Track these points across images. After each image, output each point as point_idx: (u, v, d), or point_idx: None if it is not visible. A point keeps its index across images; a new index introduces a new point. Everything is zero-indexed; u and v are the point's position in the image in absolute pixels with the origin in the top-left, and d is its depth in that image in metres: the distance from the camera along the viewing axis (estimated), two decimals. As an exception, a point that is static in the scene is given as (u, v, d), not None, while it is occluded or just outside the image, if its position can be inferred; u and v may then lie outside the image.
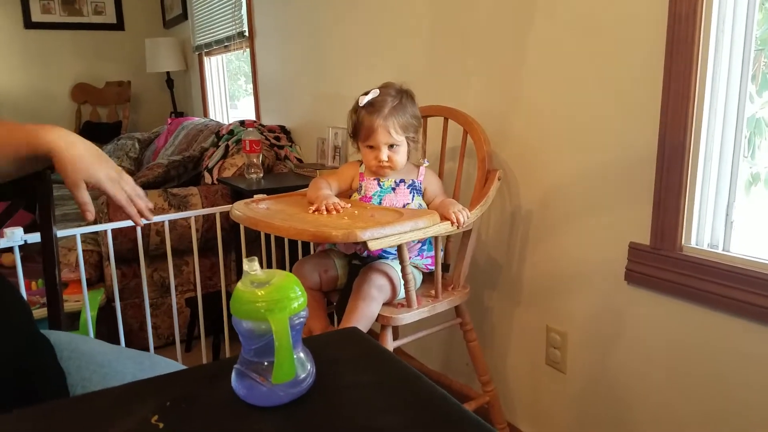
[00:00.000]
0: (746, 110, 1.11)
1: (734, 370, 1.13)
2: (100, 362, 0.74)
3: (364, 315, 1.33)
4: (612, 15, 1.25)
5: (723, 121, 1.13)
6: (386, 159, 1.40)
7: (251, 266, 0.55)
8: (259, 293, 0.54)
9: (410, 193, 1.45)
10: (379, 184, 1.45)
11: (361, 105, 1.40)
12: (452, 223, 1.31)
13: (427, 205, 1.46)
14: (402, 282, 1.36)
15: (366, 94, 1.40)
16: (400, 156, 1.41)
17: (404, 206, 1.43)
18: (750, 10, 1.07)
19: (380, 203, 1.44)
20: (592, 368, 1.44)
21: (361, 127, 1.40)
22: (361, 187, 1.48)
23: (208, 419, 0.54)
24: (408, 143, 1.42)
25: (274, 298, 0.54)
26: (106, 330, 2.09)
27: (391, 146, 1.40)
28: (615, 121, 1.28)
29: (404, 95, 1.42)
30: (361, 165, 1.50)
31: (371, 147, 1.41)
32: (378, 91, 1.40)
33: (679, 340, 1.22)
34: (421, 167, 1.48)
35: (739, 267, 1.08)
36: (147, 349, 1.89)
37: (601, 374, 1.41)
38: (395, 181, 1.45)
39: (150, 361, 0.80)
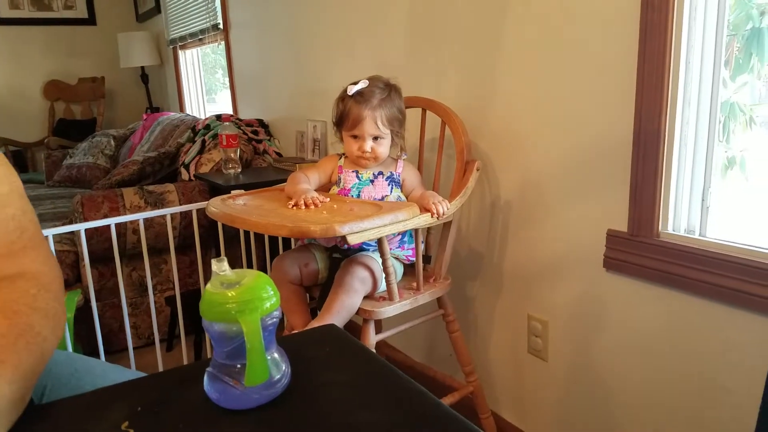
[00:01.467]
0: (720, 95, 1.11)
1: (714, 355, 1.14)
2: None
3: (344, 306, 1.32)
4: (586, 3, 1.25)
5: (697, 106, 1.13)
6: (369, 150, 1.39)
7: (220, 267, 0.54)
8: (230, 294, 0.53)
9: (389, 185, 1.44)
10: (357, 176, 1.44)
11: (349, 94, 1.38)
12: (432, 214, 1.31)
13: (406, 197, 1.45)
14: (383, 274, 1.35)
15: (355, 84, 1.39)
16: (383, 148, 1.41)
17: (383, 198, 1.42)
18: (722, -5, 1.07)
19: (359, 195, 1.43)
20: (574, 355, 1.45)
21: (347, 116, 1.39)
22: (339, 179, 1.47)
23: (179, 424, 0.53)
24: (392, 137, 1.41)
25: (244, 299, 0.53)
26: (85, 331, 2.06)
27: (375, 138, 1.39)
28: (590, 109, 1.28)
29: (392, 89, 1.42)
30: (340, 158, 1.49)
31: (355, 137, 1.40)
32: (367, 81, 1.39)
33: (659, 326, 1.23)
34: (399, 160, 1.47)
35: (715, 252, 1.09)
36: (127, 349, 1.87)
37: (583, 361, 1.42)
38: (374, 174, 1.44)
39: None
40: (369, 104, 1.36)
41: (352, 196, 1.43)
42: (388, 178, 1.44)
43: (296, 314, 1.42)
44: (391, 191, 1.43)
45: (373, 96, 1.37)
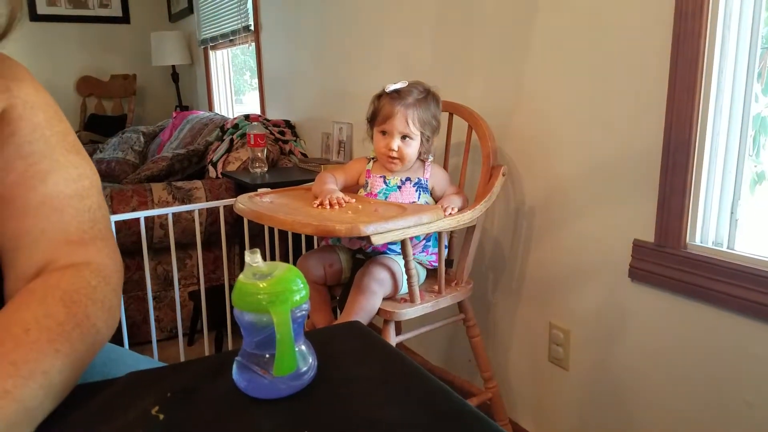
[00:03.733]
0: (752, 109, 1.10)
1: (739, 369, 1.12)
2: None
3: (362, 308, 1.33)
4: (617, 10, 1.25)
5: (728, 119, 1.12)
6: (396, 149, 1.39)
7: (253, 258, 0.55)
8: (261, 285, 0.54)
9: (416, 191, 1.44)
10: (385, 182, 1.45)
11: (387, 91, 1.40)
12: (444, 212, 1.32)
13: (436, 201, 1.46)
14: (405, 276, 1.36)
15: (395, 83, 1.40)
16: (411, 150, 1.40)
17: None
18: (756, 8, 1.06)
19: None
20: (595, 366, 1.43)
21: (380, 111, 1.40)
22: (367, 183, 1.48)
23: (208, 411, 0.54)
24: (421, 140, 1.41)
25: (275, 291, 0.54)
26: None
27: (404, 138, 1.39)
28: (620, 117, 1.28)
29: (431, 95, 1.42)
30: (368, 162, 1.50)
31: (384, 133, 1.40)
32: (407, 82, 1.41)
33: (683, 338, 1.21)
34: (426, 163, 1.47)
35: (743, 265, 1.07)
36: (148, 342, 1.90)
37: (604, 372, 1.41)
38: (401, 180, 1.44)
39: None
40: (403, 102, 1.37)
41: None
42: (415, 184, 1.45)
43: (319, 313, 1.43)
44: (419, 197, 1.44)
45: (410, 95, 1.38)
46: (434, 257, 1.47)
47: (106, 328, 0.61)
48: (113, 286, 0.65)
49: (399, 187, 1.44)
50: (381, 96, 1.41)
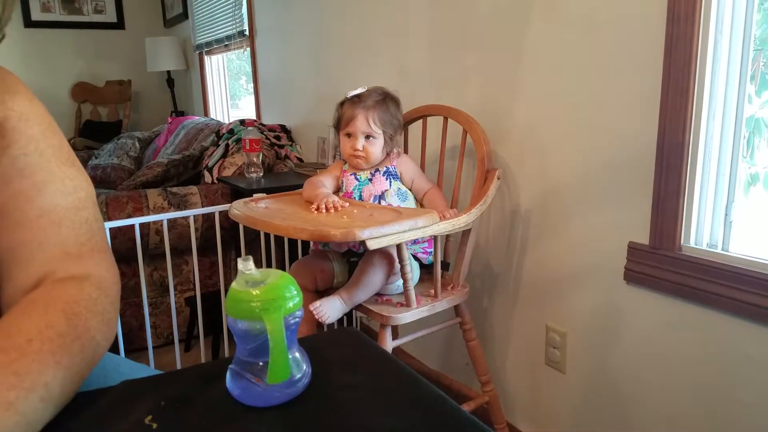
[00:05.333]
0: (745, 110, 1.10)
1: (734, 371, 1.12)
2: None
3: (371, 282, 1.37)
4: (610, 14, 1.25)
5: (722, 121, 1.12)
6: (361, 148, 1.45)
7: (246, 265, 0.55)
8: (254, 293, 0.54)
9: (386, 179, 1.48)
10: (356, 178, 1.50)
11: (348, 97, 1.48)
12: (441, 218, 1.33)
13: (411, 189, 1.49)
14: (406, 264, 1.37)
15: (355, 90, 1.48)
16: (375, 148, 1.46)
17: (383, 192, 1.46)
18: (749, 10, 1.07)
19: (360, 195, 1.47)
20: (592, 368, 1.43)
21: (343, 116, 1.48)
22: (342, 183, 1.52)
23: (202, 419, 0.54)
24: (384, 139, 1.46)
25: (269, 298, 0.54)
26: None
27: (367, 137, 1.45)
28: (614, 120, 1.28)
29: (389, 97, 1.49)
30: (344, 163, 1.54)
31: (349, 135, 1.47)
32: (365, 88, 1.48)
33: (679, 340, 1.22)
34: (392, 155, 1.51)
35: (738, 267, 1.08)
36: (145, 348, 1.90)
37: (601, 374, 1.41)
38: (371, 172, 1.49)
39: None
40: (363, 104, 1.44)
41: (355, 197, 1.48)
42: (384, 172, 1.49)
43: (304, 322, 1.43)
44: (390, 184, 1.48)
45: (369, 98, 1.45)
46: (428, 244, 1.50)
47: (105, 341, 0.61)
48: (112, 299, 0.65)
49: (370, 180, 1.49)
50: (343, 102, 1.49)
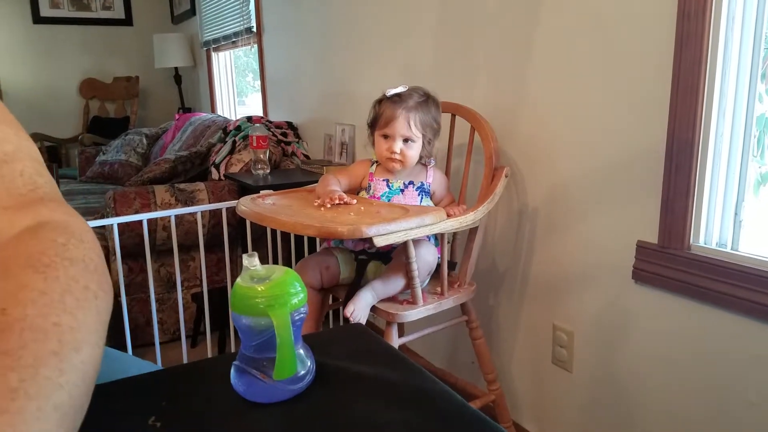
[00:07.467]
0: (755, 109, 1.09)
1: (742, 371, 1.12)
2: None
3: (398, 284, 1.37)
4: (620, 11, 1.24)
5: (732, 119, 1.11)
6: (398, 151, 1.39)
7: (251, 262, 0.55)
8: (259, 289, 0.53)
9: (418, 195, 1.45)
10: (388, 185, 1.45)
11: (387, 95, 1.40)
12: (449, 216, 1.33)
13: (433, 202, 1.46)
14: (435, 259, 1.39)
15: (395, 88, 1.41)
16: (413, 152, 1.40)
17: None
18: (760, 8, 1.06)
19: None
20: (599, 367, 1.43)
21: (381, 115, 1.40)
22: (369, 186, 1.48)
23: (206, 416, 0.54)
24: (423, 143, 1.41)
25: (274, 294, 0.53)
26: (112, 324, 2.10)
27: (406, 140, 1.39)
28: (623, 118, 1.27)
29: (431, 98, 1.43)
30: (372, 165, 1.50)
31: (386, 137, 1.40)
32: (407, 87, 1.41)
33: (687, 339, 1.21)
34: (428, 167, 1.47)
35: (747, 266, 1.07)
36: (151, 344, 1.90)
37: (608, 373, 1.40)
38: (404, 183, 1.45)
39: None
40: (405, 105, 1.37)
41: None
42: (418, 188, 1.45)
43: (307, 319, 1.42)
44: (421, 201, 1.44)
45: (410, 98, 1.38)
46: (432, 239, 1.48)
47: (103, 291, 0.48)
48: (89, 244, 0.51)
49: (402, 191, 1.44)
50: (382, 101, 1.42)
